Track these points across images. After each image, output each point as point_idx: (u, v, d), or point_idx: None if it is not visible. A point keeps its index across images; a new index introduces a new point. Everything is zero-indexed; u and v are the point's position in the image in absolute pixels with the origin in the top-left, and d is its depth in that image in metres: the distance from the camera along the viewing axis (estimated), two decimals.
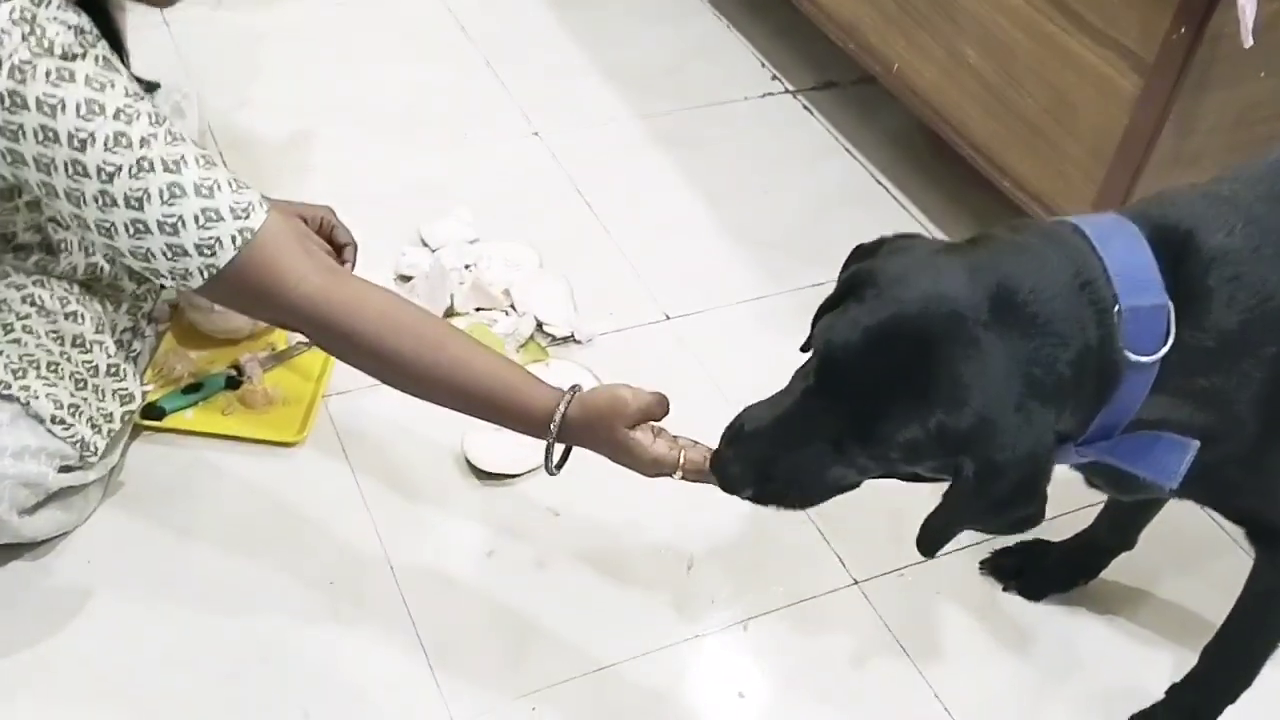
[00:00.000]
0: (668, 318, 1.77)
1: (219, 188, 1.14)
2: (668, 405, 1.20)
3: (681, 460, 1.17)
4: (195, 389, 1.53)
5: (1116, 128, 1.52)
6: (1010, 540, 1.48)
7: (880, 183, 2.07)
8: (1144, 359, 0.96)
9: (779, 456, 1.03)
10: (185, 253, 1.13)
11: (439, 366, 1.18)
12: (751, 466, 1.04)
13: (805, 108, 2.22)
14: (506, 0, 2.39)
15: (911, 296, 0.96)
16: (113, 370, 1.41)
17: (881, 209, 2.01)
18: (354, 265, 1.54)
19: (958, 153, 1.82)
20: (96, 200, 1.11)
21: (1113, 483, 1.17)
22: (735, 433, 1.06)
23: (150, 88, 1.45)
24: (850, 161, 2.11)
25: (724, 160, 2.07)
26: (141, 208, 1.11)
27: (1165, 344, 0.96)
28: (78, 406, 1.33)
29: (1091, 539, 1.44)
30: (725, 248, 1.90)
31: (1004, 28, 1.66)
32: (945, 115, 1.80)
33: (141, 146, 1.10)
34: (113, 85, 1.11)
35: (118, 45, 1.29)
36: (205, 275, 1.14)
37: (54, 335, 1.37)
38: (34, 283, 1.38)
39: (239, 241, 1.13)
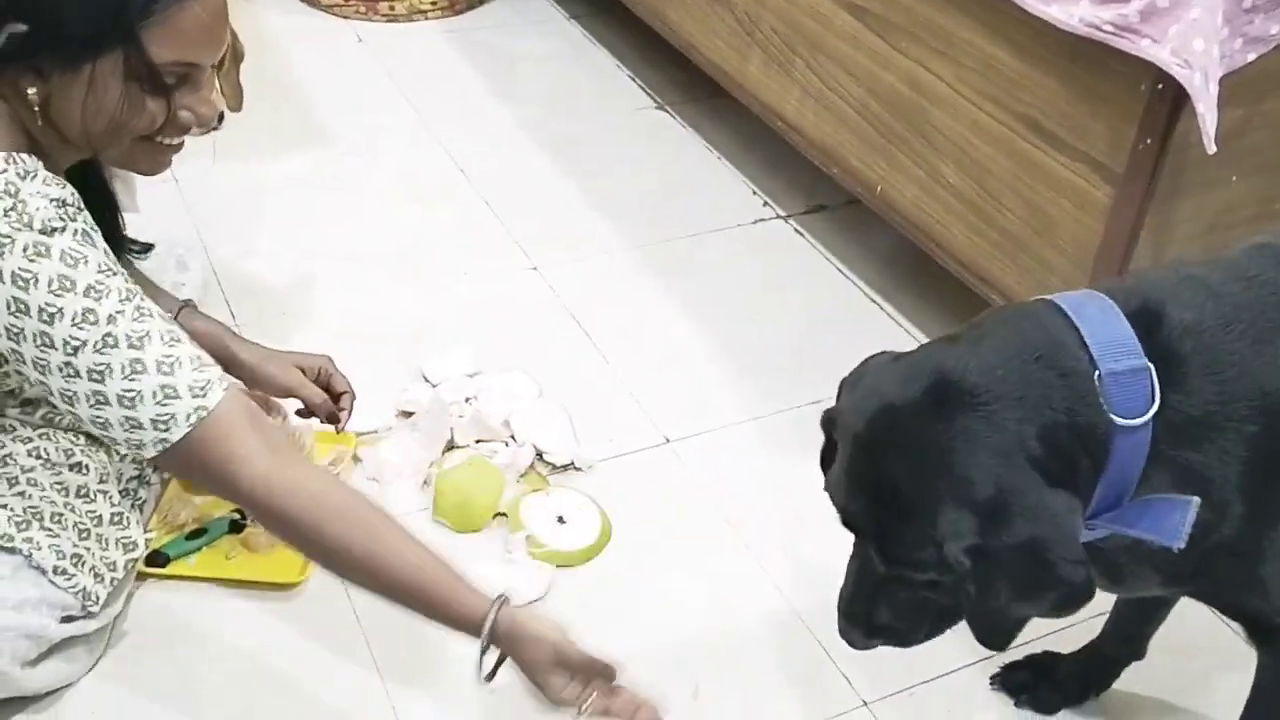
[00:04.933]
0: (667, 441, 1.79)
1: (180, 365, 1.16)
2: (601, 671, 1.22)
3: (584, 709, 1.20)
4: (199, 534, 1.54)
5: (1093, 237, 1.55)
6: (1019, 654, 1.47)
7: (873, 300, 2.10)
8: (1132, 422, 0.97)
9: (871, 609, 1.10)
10: (140, 426, 1.15)
11: (370, 557, 1.19)
12: (857, 627, 1.12)
13: (797, 231, 2.28)
14: (504, 144, 2.47)
15: (861, 427, 1.02)
16: (116, 519, 1.43)
17: (875, 326, 2.04)
18: (350, 413, 1.58)
19: (945, 268, 1.86)
20: (61, 370, 1.14)
21: (1109, 576, 1.16)
22: (838, 604, 1.13)
23: (146, 249, 1.51)
24: (843, 281, 2.15)
25: (718, 285, 2.11)
26: (103, 381, 1.14)
27: (1153, 406, 0.97)
28: (80, 556, 1.35)
29: (1101, 650, 1.42)
30: (722, 370, 1.93)
31: (978, 146, 1.71)
32: (929, 232, 1.84)
33: (108, 323, 1.14)
34: (86, 261, 1.14)
35: (109, 203, 1.34)
36: (158, 449, 1.17)
37: (58, 486, 1.39)
38: (39, 435, 1.41)
39: (193, 419, 1.16)
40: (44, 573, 1.30)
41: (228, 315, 1.91)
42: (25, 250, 1.12)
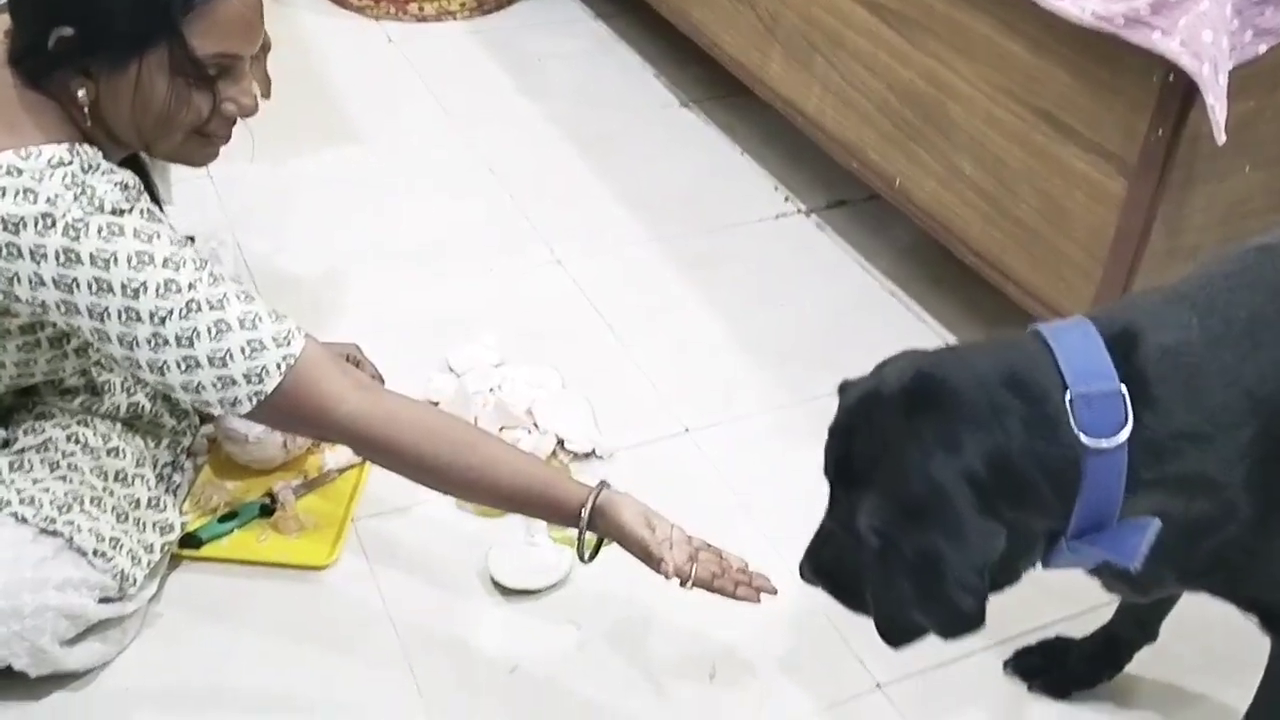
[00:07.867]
0: (687, 430, 1.82)
1: (260, 320, 1.22)
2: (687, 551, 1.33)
3: (693, 574, 1.33)
4: (231, 517, 1.59)
5: (1108, 228, 1.57)
6: (1032, 638, 1.49)
7: (893, 294, 2.12)
8: (1104, 443, 0.99)
9: (819, 550, 1.20)
10: (234, 382, 1.21)
11: (473, 469, 1.29)
12: (808, 561, 1.21)
13: (818, 226, 2.30)
14: (531, 141, 2.51)
15: (851, 402, 1.12)
16: (153, 502, 1.47)
17: (895, 319, 2.06)
18: None
19: (962, 261, 1.87)
20: (149, 342, 1.19)
21: (1130, 584, 1.17)
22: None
23: (188, 240, 1.56)
24: (863, 274, 2.17)
25: (740, 279, 2.14)
26: (192, 345, 1.19)
27: (1125, 427, 0.99)
28: (119, 539, 1.39)
29: (1113, 634, 1.44)
30: (743, 361, 1.95)
31: (995, 139, 1.73)
32: (946, 225, 1.86)
33: (189, 290, 1.19)
34: (159, 236, 1.20)
35: (153, 199, 1.39)
36: (253, 401, 1.22)
37: (97, 471, 1.44)
38: (78, 422, 1.46)
39: (283, 367, 1.22)
40: (84, 555, 1.34)
41: None
42: (100, 232, 1.17)
